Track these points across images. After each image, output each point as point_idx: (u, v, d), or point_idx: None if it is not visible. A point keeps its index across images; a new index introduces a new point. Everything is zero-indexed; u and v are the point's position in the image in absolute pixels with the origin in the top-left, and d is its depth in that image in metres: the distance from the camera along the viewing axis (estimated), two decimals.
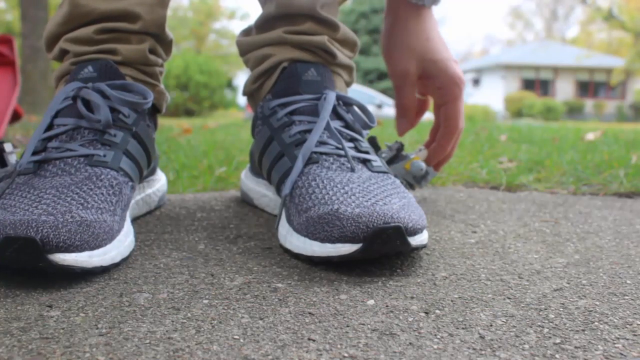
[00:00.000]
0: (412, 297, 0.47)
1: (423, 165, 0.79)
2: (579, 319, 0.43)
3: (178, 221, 0.74)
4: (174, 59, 12.72)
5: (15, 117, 1.95)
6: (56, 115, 0.62)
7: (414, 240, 0.54)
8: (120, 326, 0.41)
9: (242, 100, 17.14)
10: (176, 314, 0.43)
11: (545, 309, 0.45)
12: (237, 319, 0.43)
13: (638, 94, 19.53)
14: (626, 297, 0.48)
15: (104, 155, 0.60)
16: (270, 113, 0.71)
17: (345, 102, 0.69)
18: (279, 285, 0.50)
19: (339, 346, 0.38)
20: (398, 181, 0.63)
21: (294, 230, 0.58)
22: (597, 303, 0.46)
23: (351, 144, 0.66)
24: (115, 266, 0.53)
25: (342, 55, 0.75)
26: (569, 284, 0.51)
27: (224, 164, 1.26)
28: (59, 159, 0.58)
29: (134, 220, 0.72)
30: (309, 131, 0.66)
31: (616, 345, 0.39)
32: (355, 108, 0.70)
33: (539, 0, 32.40)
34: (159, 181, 0.82)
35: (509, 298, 0.47)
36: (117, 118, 0.63)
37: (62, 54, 0.71)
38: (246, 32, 0.80)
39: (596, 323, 0.42)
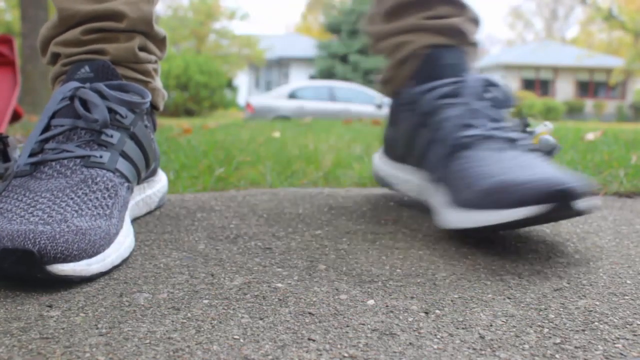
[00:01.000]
0: (412, 297, 0.47)
1: (552, 139, 0.80)
2: (579, 319, 0.43)
3: (178, 221, 0.73)
4: (174, 59, 12.72)
5: (16, 117, 1.95)
6: (53, 115, 0.62)
7: (581, 204, 0.54)
8: (120, 326, 0.41)
9: (242, 100, 17.07)
10: (176, 314, 0.43)
11: (545, 309, 0.45)
12: (237, 319, 0.43)
13: (638, 94, 19.52)
14: (626, 297, 0.48)
15: (100, 157, 0.60)
16: (415, 99, 0.73)
17: (488, 84, 0.71)
18: (279, 285, 0.50)
19: (339, 346, 0.38)
20: (547, 159, 0.65)
21: (460, 206, 0.60)
22: (597, 303, 0.46)
23: (498, 124, 0.68)
24: (115, 267, 0.53)
25: (471, 34, 0.77)
26: (569, 284, 0.51)
27: (224, 164, 1.26)
28: (55, 161, 0.58)
29: (134, 221, 0.72)
30: (456, 115, 0.68)
31: (616, 345, 0.39)
32: (497, 88, 0.72)
33: (539, 0, 32.40)
34: (160, 182, 0.81)
35: (509, 298, 0.47)
36: (114, 118, 0.63)
37: (54, 58, 0.72)
38: (371, 20, 0.82)
39: (596, 323, 0.42)
